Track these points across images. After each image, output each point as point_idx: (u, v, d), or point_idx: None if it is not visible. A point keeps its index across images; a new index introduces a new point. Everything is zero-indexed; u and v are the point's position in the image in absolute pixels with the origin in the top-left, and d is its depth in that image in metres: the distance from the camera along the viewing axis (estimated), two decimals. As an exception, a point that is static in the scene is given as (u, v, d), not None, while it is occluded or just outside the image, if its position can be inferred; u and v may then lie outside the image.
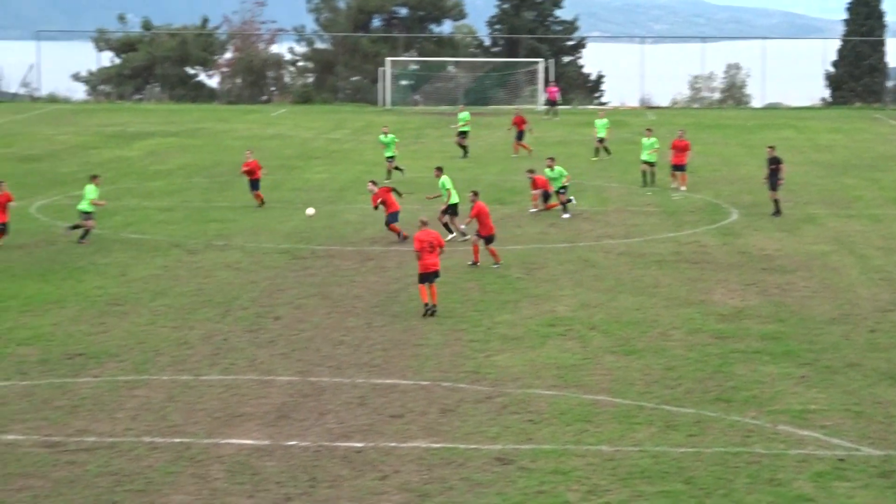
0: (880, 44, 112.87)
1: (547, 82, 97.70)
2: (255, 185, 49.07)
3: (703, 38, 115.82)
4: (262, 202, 48.31)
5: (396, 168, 57.25)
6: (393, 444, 22.74)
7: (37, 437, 23.00)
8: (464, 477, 21.21)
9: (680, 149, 52.97)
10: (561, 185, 47.48)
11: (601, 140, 64.39)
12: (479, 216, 37.66)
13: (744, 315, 32.56)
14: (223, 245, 41.76)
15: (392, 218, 41.75)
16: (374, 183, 42.83)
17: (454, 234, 41.72)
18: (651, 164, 54.10)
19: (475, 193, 38.66)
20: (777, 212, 47.20)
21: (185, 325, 31.31)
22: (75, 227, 41.63)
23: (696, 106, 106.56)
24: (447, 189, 42.27)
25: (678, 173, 53.45)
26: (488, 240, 37.80)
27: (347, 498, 20.35)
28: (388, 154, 57.52)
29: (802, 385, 26.52)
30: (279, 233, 43.59)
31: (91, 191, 41.86)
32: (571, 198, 47.68)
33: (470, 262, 37.86)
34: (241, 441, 22.86)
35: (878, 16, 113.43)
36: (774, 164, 46.99)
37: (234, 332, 30.61)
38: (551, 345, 29.68)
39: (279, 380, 26.79)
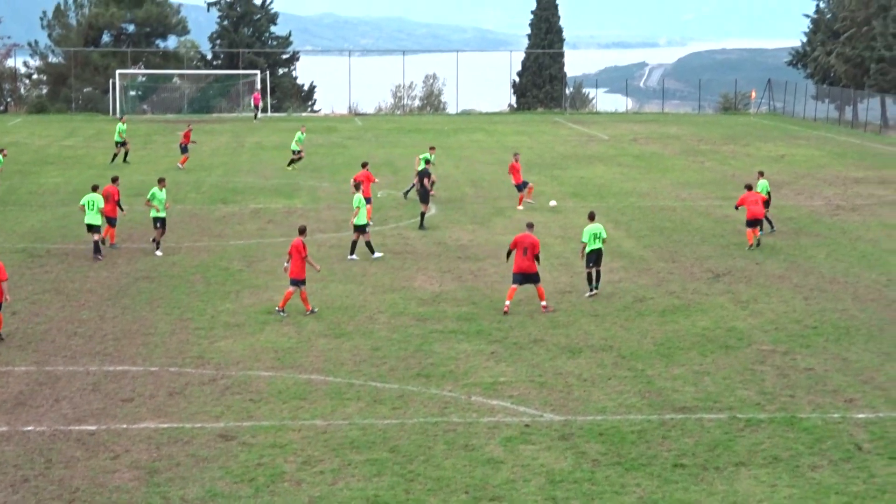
0: (560, 55, 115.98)
1: (255, 90, 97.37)
2: None
3: (404, 52, 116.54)
4: None
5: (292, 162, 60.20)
6: (124, 426, 22.35)
7: None
8: (190, 453, 20.98)
9: (516, 171, 49.41)
10: None
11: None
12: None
13: (441, 299, 32.99)
14: (-38, 246, 40.32)
15: None
16: None
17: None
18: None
19: None
20: (422, 225, 44.14)
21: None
22: None
23: (398, 112, 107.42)
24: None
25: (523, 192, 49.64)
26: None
27: (81, 477, 19.90)
28: (296, 147, 60.19)
29: (493, 360, 27.03)
30: (16, 233, 42.35)
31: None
32: None
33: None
34: (-21, 428, 22.17)
35: (558, 31, 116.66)
36: (425, 176, 44.71)
37: (-27, 327, 29.59)
38: (270, 330, 29.59)
39: (16, 370, 26.03)
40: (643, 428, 22.43)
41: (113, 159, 63.37)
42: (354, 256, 38.37)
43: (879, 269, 37.22)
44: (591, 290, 33.44)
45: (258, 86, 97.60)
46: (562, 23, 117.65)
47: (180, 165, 61.39)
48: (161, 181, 39.80)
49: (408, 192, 51.04)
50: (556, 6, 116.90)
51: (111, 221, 40.18)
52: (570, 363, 26.80)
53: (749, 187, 41.61)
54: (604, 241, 33.41)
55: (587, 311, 31.64)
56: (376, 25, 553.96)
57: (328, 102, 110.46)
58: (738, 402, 23.96)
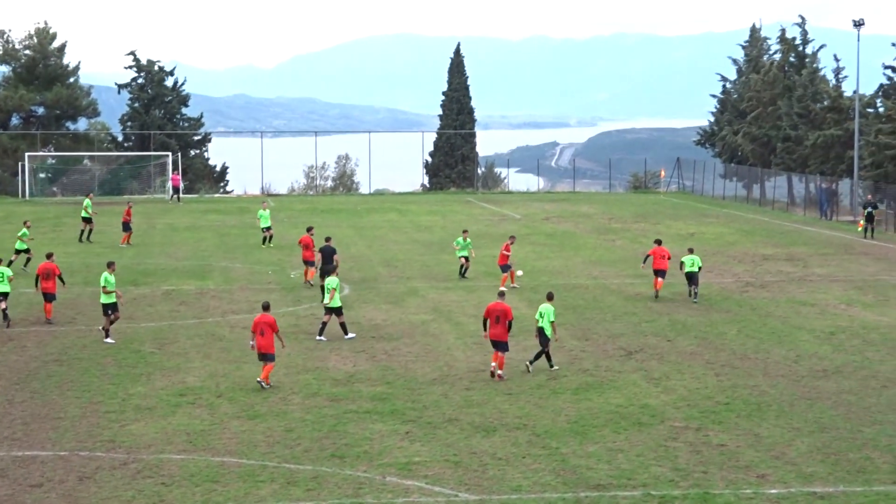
0: (471, 136, 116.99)
1: (173, 171, 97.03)
2: None
3: (317, 132, 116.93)
4: None
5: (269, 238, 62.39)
6: (33, 512, 21.99)
7: None
8: (100, 539, 20.67)
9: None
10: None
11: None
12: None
13: (355, 379, 32.90)
14: None
15: None
16: None
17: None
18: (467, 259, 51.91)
19: None
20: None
21: None
22: None
23: (311, 193, 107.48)
24: None
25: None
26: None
27: (-11, 565, 19.56)
28: (265, 225, 62.56)
29: (407, 440, 26.95)
30: (-78, 317, 41.68)
31: None
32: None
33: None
34: None
35: (469, 111, 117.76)
36: (330, 251, 45.24)
37: None
38: (182, 413, 29.31)
39: (-78, 457, 25.55)
40: (558, 506, 22.43)
41: (81, 236, 64.42)
42: (352, 335, 38.60)
43: (789, 345, 37.67)
44: (528, 364, 33.99)
45: (170, 167, 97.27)
46: (473, 103, 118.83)
47: (122, 244, 62.59)
48: (110, 265, 39.01)
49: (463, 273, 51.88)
50: (467, 87, 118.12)
51: (51, 297, 41.03)
52: (484, 442, 26.79)
53: (658, 241, 47.94)
54: (552, 323, 33.82)
55: (501, 389, 31.68)
56: (288, 106, 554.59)
57: (241, 183, 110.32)
58: (651, 479, 24.06)
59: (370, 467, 24.87)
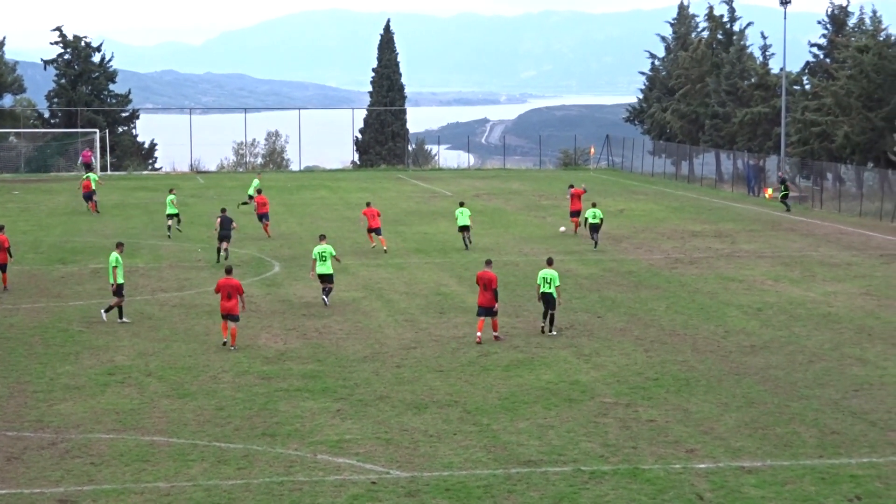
0: (402, 113, 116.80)
1: (85, 148, 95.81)
2: None
3: (246, 109, 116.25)
4: None
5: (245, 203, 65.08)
6: (-41, 494, 21.77)
7: None
8: (29, 520, 20.50)
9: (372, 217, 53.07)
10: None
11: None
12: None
13: (286, 357, 32.81)
14: None
15: None
16: None
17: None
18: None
19: None
20: (225, 257, 48.70)
21: None
22: None
23: (240, 170, 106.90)
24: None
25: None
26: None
27: (-85, 547, 19.32)
28: (251, 193, 64.59)
29: (338, 417, 26.93)
30: None
31: None
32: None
33: None
34: None
35: (399, 88, 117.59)
36: (229, 220, 49.24)
37: None
38: (111, 392, 29.10)
39: None
40: (489, 482, 22.51)
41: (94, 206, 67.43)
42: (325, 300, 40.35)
43: (717, 321, 37.97)
44: (546, 331, 35.51)
45: (97, 143, 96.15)
46: (403, 80, 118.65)
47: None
48: (119, 246, 38.22)
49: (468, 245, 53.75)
50: (397, 63, 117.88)
51: (2, 268, 42.33)
52: (415, 419, 26.81)
53: (572, 185, 61.49)
54: (557, 287, 35.21)
55: (432, 366, 31.72)
56: (217, 83, 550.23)
57: (169, 160, 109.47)
58: (582, 455, 24.19)
59: (301, 445, 24.83)
